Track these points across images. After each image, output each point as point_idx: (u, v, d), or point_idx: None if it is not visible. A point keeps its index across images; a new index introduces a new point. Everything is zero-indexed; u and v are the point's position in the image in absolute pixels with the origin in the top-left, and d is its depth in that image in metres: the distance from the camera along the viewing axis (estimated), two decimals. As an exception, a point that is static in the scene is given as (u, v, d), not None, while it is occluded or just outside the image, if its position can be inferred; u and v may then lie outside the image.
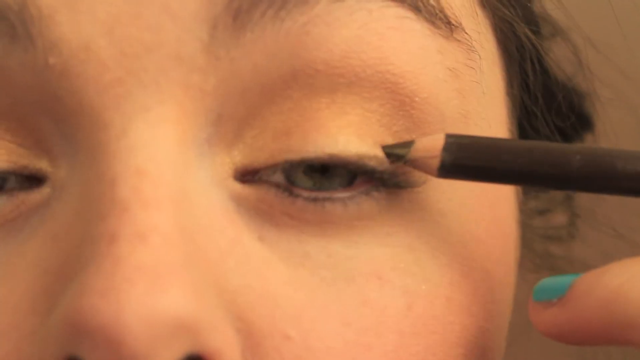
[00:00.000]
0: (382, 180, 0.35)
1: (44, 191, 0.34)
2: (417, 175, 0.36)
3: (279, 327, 0.33)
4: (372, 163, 0.35)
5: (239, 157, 0.34)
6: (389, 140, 0.35)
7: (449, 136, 0.35)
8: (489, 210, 0.38)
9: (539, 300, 0.35)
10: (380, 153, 0.35)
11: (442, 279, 0.36)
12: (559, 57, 0.50)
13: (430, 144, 0.35)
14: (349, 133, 0.34)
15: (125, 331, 0.29)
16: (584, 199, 0.52)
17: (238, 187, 0.34)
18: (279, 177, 0.34)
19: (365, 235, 0.35)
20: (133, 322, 0.29)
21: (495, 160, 0.34)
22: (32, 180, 0.34)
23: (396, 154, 0.35)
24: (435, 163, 0.35)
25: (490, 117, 0.39)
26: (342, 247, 0.34)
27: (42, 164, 0.34)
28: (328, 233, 0.34)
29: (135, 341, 0.29)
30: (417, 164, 0.35)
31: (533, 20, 0.45)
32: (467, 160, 0.35)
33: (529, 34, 0.42)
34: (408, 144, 0.35)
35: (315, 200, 0.34)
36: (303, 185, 0.34)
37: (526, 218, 0.49)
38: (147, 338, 0.29)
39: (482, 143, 0.35)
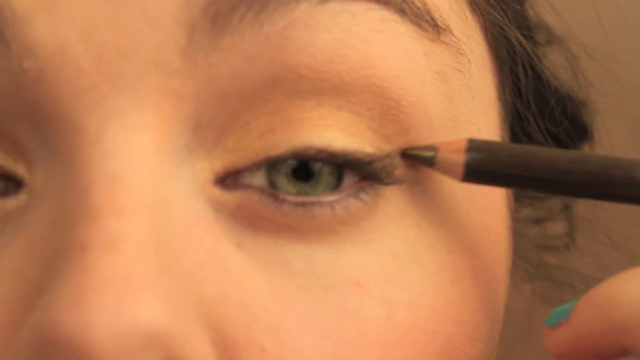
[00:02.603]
0: (372, 175, 0.34)
1: (21, 197, 0.33)
2: (407, 172, 0.35)
3: (255, 339, 0.32)
4: (360, 156, 0.34)
5: (219, 162, 0.33)
6: (380, 143, 0.35)
7: (471, 139, 0.35)
8: (478, 217, 0.37)
9: (550, 325, 0.34)
10: (370, 150, 0.34)
11: (427, 287, 0.35)
12: (554, 65, 0.49)
13: (455, 146, 0.35)
14: (336, 130, 0.34)
15: (94, 346, 0.29)
16: (581, 209, 0.52)
17: (218, 192, 0.33)
18: (261, 180, 0.34)
19: (347, 241, 0.34)
20: (101, 336, 0.29)
21: (523, 165, 0.35)
22: (9, 186, 0.33)
23: (422, 156, 0.35)
24: (461, 165, 0.35)
25: (480, 122, 0.38)
26: (321, 253, 0.34)
27: (18, 170, 0.33)
28: (308, 238, 0.34)
29: (104, 356, 0.29)
30: (444, 167, 0.35)
31: (525, 25, 0.44)
32: (494, 163, 0.35)
33: (521, 38, 0.41)
34: (432, 147, 0.35)
35: (302, 204, 0.33)
36: (287, 191, 0.34)
37: (520, 227, 0.48)
38: (115, 352, 0.29)
39: (506, 148, 0.35)
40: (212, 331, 0.31)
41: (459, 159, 0.35)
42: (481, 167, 0.35)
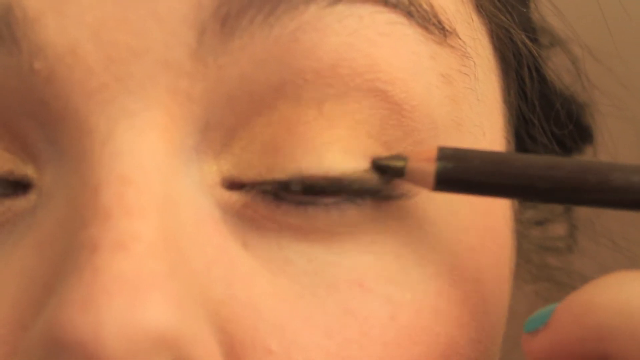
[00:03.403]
0: (370, 194, 0.34)
1: (30, 198, 0.33)
2: (406, 188, 0.35)
3: (262, 340, 0.32)
4: (356, 186, 0.34)
5: (226, 166, 0.34)
6: (380, 151, 0.35)
7: (442, 148, 0.34)
8: (481, 219, 0.37)
9: (529, 331, 0.34)
10: (368, 165, 0.34)
11: (429, 288, 0.35)
12: (558, 67, 0.49)
13: (425, 155, 0.34)
14: (335, 150, 0.34)
15: (103, 347, 0.29)
16: (583, 211, 0.52)
17: (225, 193, 0.33)
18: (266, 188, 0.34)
19: (348, 241, 0.34)
20: (111, 337, 0.29)
21: (495, 173, 0.34)
22: (18, 186, 0.33)
23: (392, 166, 0.34)
24: (431, 175, 0.34)
25: (485, 125, 0.38)
26: (323, 253, 0.34)
27: (28, 170, 0.33)
28: (310, 238, 0.34)
29: (114, 357, 0.29)
30: (414, 177, 0.34)
31: (530, 28, 0.44)
32: (466, 171, 0.34)
33: (526, 40, 0.41)
34: (401, 157, 0.34)
35: (299, 203, 0.34)
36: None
37: (523, 228, 0.48)
38: (125, 353, 0.29)
39: (477, 155, 0.34)
40: (219, 332, 0.31)
41: (429, 168, 0.34)
42: (452, 176, 0.34)
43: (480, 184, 0.34)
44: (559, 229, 0.53)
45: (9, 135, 0.33)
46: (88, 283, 0.29)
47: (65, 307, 0.29)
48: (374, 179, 0.34)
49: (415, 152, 0.34)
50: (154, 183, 0.31)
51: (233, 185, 0.34)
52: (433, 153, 0.34)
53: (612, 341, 0.31)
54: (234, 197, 0.33)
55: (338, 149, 0.34)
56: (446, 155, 0.34)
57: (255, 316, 0.32)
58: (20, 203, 0.33)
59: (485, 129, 0.38)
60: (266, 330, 0.32)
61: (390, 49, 0.34)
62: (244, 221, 0.34)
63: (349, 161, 0.34)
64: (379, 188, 0.34)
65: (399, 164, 0.34)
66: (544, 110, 0.45)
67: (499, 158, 0.34)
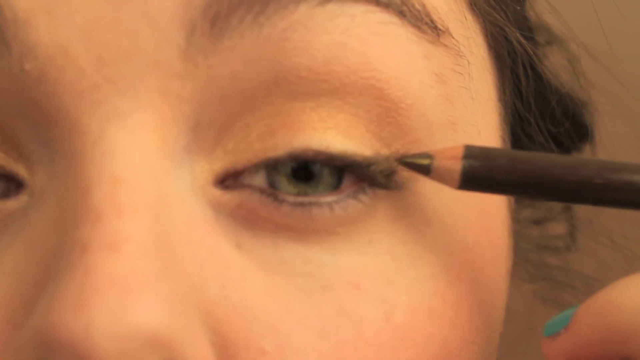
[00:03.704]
0: (371, 178, 0.34)
1: (21, 199, 0.33)
2: (406, 176, 0.35)
3: (255, 341, 0.32)
4: (358, 158, 0.34)
5: (219, 163, 0.34)
6: (378, 146, 0.35)
7: (468, 146, 0.35)
8: (477, 219, 0.37)
9: (550, 334, 0.34)
10: (368, 153, 0.34)
11: (424, 289, 0.35)
12: (555, 66, 0.49)
13: (451, 153, 0.34)
14: (336, 133, 0.34)
15: (94, 348, 0.29)
16: (582, 209, 0.52)
17: (217, 193, 0.33)
18: (261, 181, 0.34)
19: (345, 242, 0.34)
20: (102, 337, 0.29)
21: (522, 172, 0.34)
22: (9, 187, 0.33)
23: (418, 164, 0.34)
24: (457, 173, 0.34)
25: (479, 123, 0.38)
26: (320, 254, 0.34)
27: (19, 170, 0.33)
28: (306, 239, 0.34)
29: (104, 357, 0.29)
30: (439, 175, 0.34)
31: (525, 26, 0.44)
32: (492, 170, 0.34)
33: (521, 38, 0.41)
34: (427, 154, 0.35)
35: (301, 204, 0.34)
36: (287, 191, 0.34)
37: (521, 227, 0.48)
38: (116, 354, 0.29)
39: (504, 154, 0.35)
40: (211, 332, 0.31)
41: (456, 166, 0.34)
42: (478, 175, 0.34)
43: (506, 183, 0.34)
44: (557, 227, 0.53)
45: (1, 136, 0.33)
46: (79, 283, 0.29)
47: (56, 307, 0.29)
48: (379, 159, 0.34)
49: (441, 150, 0.35)
50: (145, 183, 0.31)
51: (227, 177, 0.34)
52: (460, 151, 0.34)
53: (634, 342, 0.30)
54: (227, 196, 0.33)
55: (339, 133, 0.34)
56: (473, 153, 0.34)
57: (249, 317, 0.32)
58: (12, 204, 0.33)
59: (481, 127, 0.38)
60: (259, 331, 0.32)
61: (383, 48, 0.34)
62: (237, 221, 0.33)
63: (349, 144, 0.34)
64: (384, 167, 0.34)
65: (425, 161, 0.34)
66: (540, 109, 0.45)
67: (525, 157, 0.34)
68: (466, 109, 0.37)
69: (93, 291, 0.29)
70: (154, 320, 0.29)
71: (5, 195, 0.33)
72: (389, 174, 0.35)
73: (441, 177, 0.34)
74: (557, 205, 0.52)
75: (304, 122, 0.34)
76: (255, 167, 0.34)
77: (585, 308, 0.32)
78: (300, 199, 0.34)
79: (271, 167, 0.34)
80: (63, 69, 0.31)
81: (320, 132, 0.34)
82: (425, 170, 0.34)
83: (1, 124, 0.33)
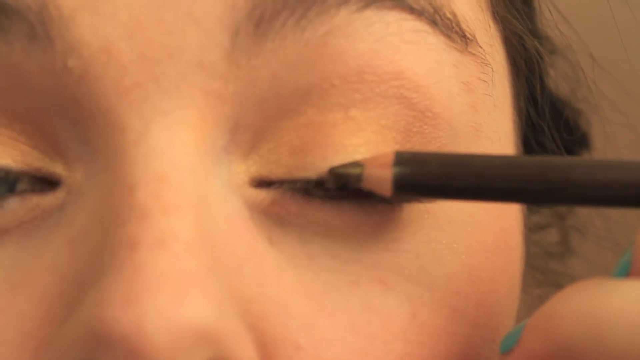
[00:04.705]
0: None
1: (58, 195, 0.33)
2: None
3: (291, 337, 0.32)
4: None
5: (254, 167, 0.34)
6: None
7: (398, 152, 0.34)
8: (496, 221, 0.38)
9: (505, 351, 0.34)
10: None
11: (447, 288, 0.35)
12: (557, 75, 0.50)
13: (381, 161, 0.34)
14: (366, 152, 0.34)
15: (147, 342, 0.29)
16: (585, 214, 0.53)
17: (253, 192, 0.34)
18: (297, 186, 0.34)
19: (371, 238, 0.35)
20: (155, 332, 0.29)
21: (454, 175, 0.33)
22: (45, 183, 0.33)
23: (349, 173, 0.34)
24: (388, 181, 0.34)
25: (500, 130, 0.39)
26: (346, 250, 0.34)
27: (56, 168, 0.33)
28: (334, 234, 0.34)
29: (157, 352, 0.29)
30: (372, 184, 0.34)
31: (538, 34, 0.45)
32: (423, 176, 0.34)
33: (538, 46, 0.42)
34: (358, 164, 0.34)
35: (331, 199, 0.34)
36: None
37: (528, 232, 0.49)
38: (168, 349, 0.29)
39: (435, 158, 0.34)
40: (251, 329, 0.32)
41: (386, 174, 0.34)
42: (410, 181, 0.34)
43: (439, 187, 0.34)
44: (556, 234, 0.54)
45: (39, 133, 0.33)
46: (129, 280, 0.29)
47: (107, 303, 0.29)
48: None
49: (372, 158, 0.34)
50: (188, 182, 0.32)
51: (262, 183, 0.34)
52: (389, 158, 0.34)
53: (580, 351, 0.30)
54: (262, 195, 0.34)
55: (368, 151, 0.34)
56: (403, 160, 0.34)
57: (285, 313, 0.33)
58: (49, 200, 0.33)
59: (501, 134, 0.39)
60: (295, 326, 0.32)
61: (415, 57, 0.35)
62: (269, 218, 0.34)
63: None
64: None
65: (355, 171, 0.34)
66: (553, 117, 0.46)
67: (458, 160, 0.34)
68: (489, 116, 0.38)
69: (144, 287, 0.29)
70: (205, 316, 0.30)
71: (41, 191, 0.33)
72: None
73: (373, 186, 0.34)
74: (562, 211, 0.53)
75: (334, 137, 0.34)
76: (289, 183, 0.34)
77: (532, 322, 0.32)
78: (331, 193, 0.34)
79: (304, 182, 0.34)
80: (106, 66, 0.32)
81: (350, 153, 0.34)
82: (357, 180, 0.34)
83: (40, 121, 0.33)
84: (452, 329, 0.35)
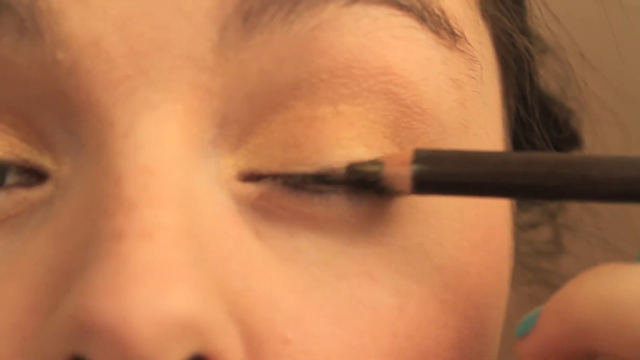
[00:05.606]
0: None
1: (46, 188, 0.33)
2: None
3: (278, 330, 0.32)
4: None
5: (242, 160, 0.34)
6: (396, 151, 0.35)
7: (418, 150, 0.34)
8: (484, 217, 0.38)
9: (520, 335, 0.34)
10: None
11: (435, 281, 0.36)
12: (547, 73, 0.50)
13: (401, 158, 0.34)
14: (358, 143, 0.34)
15: (133, 332, 0.29)
16: (574, 212, 0.53)
17: (240, 186, 0.34)
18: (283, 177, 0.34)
19: (359, 232, 0.35)
20: (140, 322, 0.29)
21: (472, 173, 0.34)
22: (32, 176, 0.33)
23: (368, 171, 0.34)
24: (407, 178, 0.34)
25: (489, 127, 0.39)
26: (333, 243, 0.34)
27: (44, 161, 0.33)
28: (321, 228, 0.34)
29: (143, 342, 0.29)
30: (391, 181, 0.34)
31: (528, 33, 0.45)
32: (442, 173, 0.34)
33: (528, 45, 0.42)
34: (378, 162, 0.34)
35: (320, 192, 0.34)
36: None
37: (518, 231, 0.49)
38: (154, 339, 0.29)
39: (454, 156, 0.34)
40: (238, 323, 0.32)
41: (405, 172, 0.34)
42: (429, 178, 0.34)
43: (458, 184, 0.34)
44: (546, 232, 0.54)
45: (27, 126, 0.33)
46: (116, 270, 0.30)
47: (93, 293, 0.30)
48: None
49: (391, 156, 0.35)
50: (175, 175, 0.32)
51: (250, 177, 0.34)
52: (408, 156, 0.34)
53: (596, 335, 0.31)
54: (250, 188, 0.34)
55: (360, 144, 0.34)
56: (422, 157, 0.34)
57: (272, 307, 0.33)
58: (37, 193, 0.33)
59: (489, 130, 0.39)
60: (282, 320, 0.33)
61: (403, 52, 0.35)
62: (257, 211, 0.34)
63: (371, 153, 0.35)
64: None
65: (375, 168, 0.34)
66: (542, 114, 0.46)
67: (476, 157, 0.34)
68: (478, 113, 0.38)
69: (130, 278, 0.29)
70: (190, 307, 0.30)
71: (29, 184, 0.33)
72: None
73: (393, 184, 0.34)
74: (552, 208, 0.53)
75: (326, 131, 0.34)
76: (283, 176, 0.34)
77: (549, 306, 0.33)
78: (320, 186, 0.34)
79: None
80: (95, 59, 0.32)
81: (345, 147, 0.34)
82: (375, 177, 0.34)
83: (29, 114, 0.33)
84: (440, 322, 0.35)
